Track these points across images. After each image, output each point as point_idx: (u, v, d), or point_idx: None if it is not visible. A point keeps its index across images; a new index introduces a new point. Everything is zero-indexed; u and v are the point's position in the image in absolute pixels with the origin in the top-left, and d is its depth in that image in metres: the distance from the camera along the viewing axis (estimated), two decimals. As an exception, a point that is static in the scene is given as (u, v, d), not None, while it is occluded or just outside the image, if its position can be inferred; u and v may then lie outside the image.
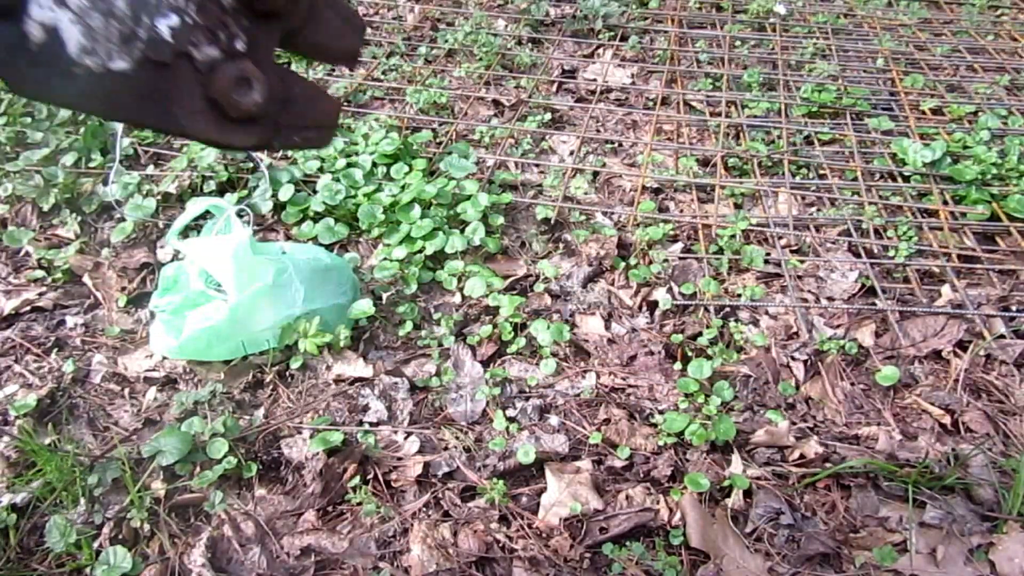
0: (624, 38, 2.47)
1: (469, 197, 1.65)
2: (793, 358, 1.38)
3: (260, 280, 1.30)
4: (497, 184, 1.78)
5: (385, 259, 1.53)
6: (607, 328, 1.44)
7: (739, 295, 1.50)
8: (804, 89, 2.12)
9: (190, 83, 0.42)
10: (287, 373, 1.35)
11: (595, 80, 2.25)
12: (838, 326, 1.45)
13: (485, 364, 1.37)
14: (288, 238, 1.63)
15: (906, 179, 1.83)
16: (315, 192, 1.67)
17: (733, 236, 1.62)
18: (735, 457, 1.20)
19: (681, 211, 1.75)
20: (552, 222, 1.67)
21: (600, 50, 2.44)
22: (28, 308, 1.47)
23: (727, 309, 1.47)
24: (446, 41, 2.41)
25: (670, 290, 1.52)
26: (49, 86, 0.38)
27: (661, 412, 1.28)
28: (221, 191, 1.71)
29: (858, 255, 1.60)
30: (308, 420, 1.26)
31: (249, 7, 0.43)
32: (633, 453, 1.22)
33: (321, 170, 1.75)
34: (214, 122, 0.43)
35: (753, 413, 1.29)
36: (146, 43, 0.40)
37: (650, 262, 1.57)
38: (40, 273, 1.54)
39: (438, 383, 1.33)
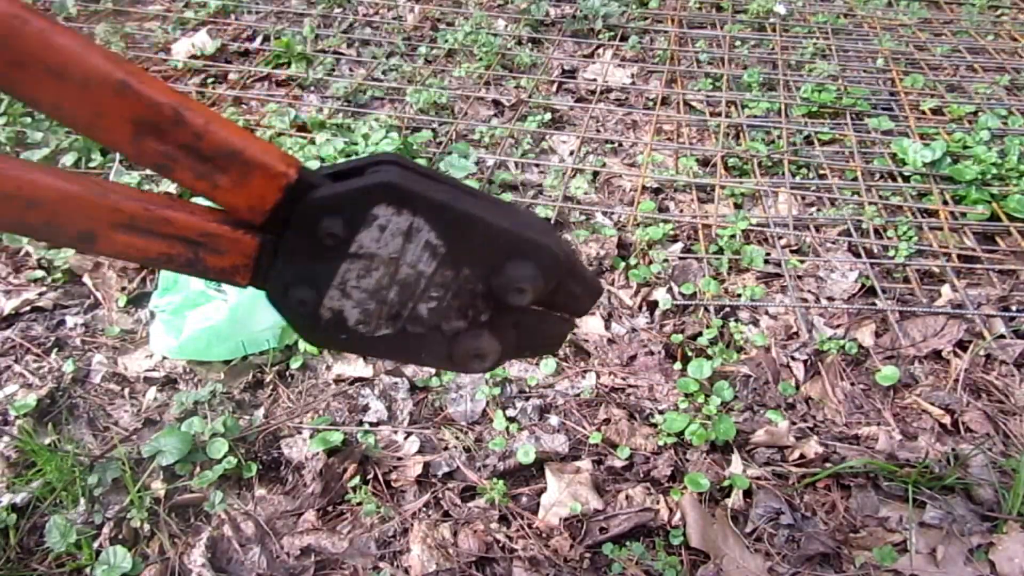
0: (624, 38, 2.47)
1: (469, 197, 1.64)
2: (793, 358, 1.38)
3: (260, 280, 1.29)
4: (497, 184, 1.78)
5: (385, 259, 1.53)
6: (607, 328, 1.44)
7: (739, 295, 1.50)
8: (804, 89, 2.12)
9: (436, 343, 0.51)
10: (287, 373, 1.35)
11: (595, 80, 2.25)
12: (838, 326, 1.45)
13: (485, 364, 1.37)
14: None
15: (906, 179, 1.83)
16: (315, 192, 1.66)
17: (733, 236, 1.62)
18: (735, 457, 1.20)
19: (681, 211, 1.75)
20: (552, 222, 1.67)
21: (600, 50, 2.44)
22: (28, 308, 1.47)
23: (727, 309, 1.47)
24: (446, 41, 2.41)
25: (670, 290, 1.52)
26: (330, 341, 0.50)
27: (661, 412, 1.28)
28: (221, 191, 1.71)
29: (858, 255, 1.60)
30: (308, 420, 1.26)
31: (497, 299, 0.50)
32: (633, 453, 1.22)
33: (321, 170, 1.75)
34: (452, 368, 0.53)
35: (753, 413, 1.29)
36: (407, 319, 0.49)
37: (650, 262, 1.57)
38: (40, 273, 1.54)
39: (438, 383, 1.33)
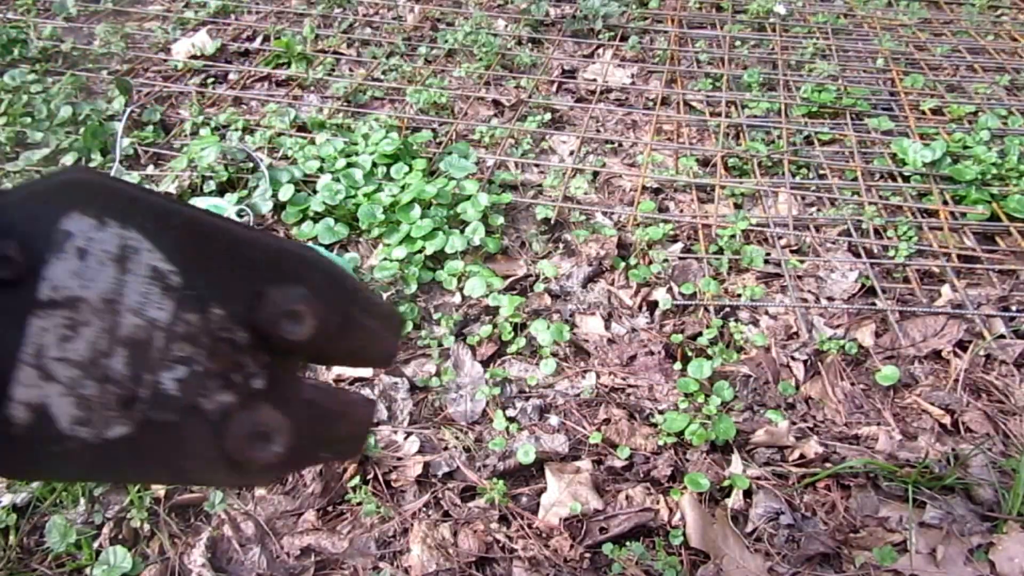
0: (624, 38, 2.47)
1: (469, 197, 1.65)
2: (793, 358, 1.38)
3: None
4: (497, 184, 1.78)
5: (385, 259, 1.53)
6: (607, 328, 1.44)
7: (739, 295, 1.50)
8: (804, 89, 2.12)
9: (201, 436, 0.35)
10: (287, 373, 1.35)
11: (595, 80, 2.25)
12: (838, 326, 1.45)
13: (485, 364, 1.37)
14: (288, 238, 1.63)
15: (906, 179, 1.83)
16: (315, 192, 1.67)
17: (733, 236, 1.62)
18: (735, 457, 1.20)
19: (681, 211, 1.75)
20: (552, 222, 1.67)
21: (600, 50, 2.44)
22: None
23: (727, 309, 1.47)
24: (446, 41, 2.41)
25: (670, 290, 1.52)
26: (43, 465, 0.32)
27: (661, 412, 1.28)
28: (221, 191, 1.72)
29: (858, 255, 1.60)
30: (308, 420, 1.26)
31: (268, 344, 0.36)
32: (633, 453, 1.22)
33: (321, 170, 1.75)
34: (232, 472, 0.36)
35: (753, 413, 1.29)
36: (148, 403, 0.34)
37: (650, 262, 1.57)
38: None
39: (438, 383, 1.33)
